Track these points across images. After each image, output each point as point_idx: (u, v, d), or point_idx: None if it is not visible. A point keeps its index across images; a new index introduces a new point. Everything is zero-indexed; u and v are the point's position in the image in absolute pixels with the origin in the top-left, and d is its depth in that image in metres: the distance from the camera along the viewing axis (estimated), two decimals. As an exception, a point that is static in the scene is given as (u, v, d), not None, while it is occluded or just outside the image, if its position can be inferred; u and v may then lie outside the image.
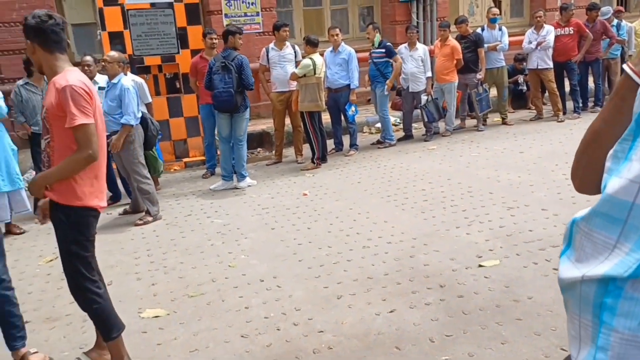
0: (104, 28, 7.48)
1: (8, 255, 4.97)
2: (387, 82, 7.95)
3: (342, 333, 3.22)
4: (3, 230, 5.62)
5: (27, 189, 2.81)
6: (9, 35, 8.39)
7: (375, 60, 8.06)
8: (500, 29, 8.83)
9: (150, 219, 5.64)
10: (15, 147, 5.62)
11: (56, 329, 3.61)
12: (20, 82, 6.08)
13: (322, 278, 3.98)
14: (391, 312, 3.41)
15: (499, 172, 6.32)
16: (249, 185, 6.69)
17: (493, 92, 9.12)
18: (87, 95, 2.67)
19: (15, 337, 3.19)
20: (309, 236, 4.83)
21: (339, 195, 6.01)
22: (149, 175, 5.78)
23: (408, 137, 8.62)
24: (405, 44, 8.36)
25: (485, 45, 8.57)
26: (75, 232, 2.77)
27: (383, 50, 7.97)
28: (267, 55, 7.64)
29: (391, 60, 8.01)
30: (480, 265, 3.96)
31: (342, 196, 5.95)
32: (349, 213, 5.36)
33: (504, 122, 9.07)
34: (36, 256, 4.99)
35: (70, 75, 2.70)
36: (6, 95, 5.69)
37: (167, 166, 7.55)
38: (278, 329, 3.33)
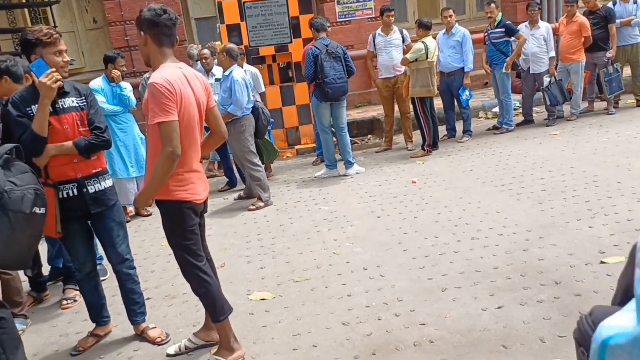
0: (222, 21, 7.84)
1: (136, 235, 5.47)
2: (507, 59, 7.50)
3: (444, 327, 3.12)
4: (133, 212, 6.15)
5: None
6: (140, 32, 9.08)
7: (494, 40, 7.64)
8: (635, 2, 7.95)
9: (261, 204, 5.86)
10: (143, 136, 6.11)
11: (174, 306, 3.88)
12: (146, 75, 6.56)
13: (427, 269, 3.88)
14: (499, 308, 3.24)
15: (631, 160, 5.73)
16: (357, 172, 6.69)
17: (626, 71, 8.27)
18: (169, 92, 2.66)
19: (137, 312, 3.48)
20: (415, 225, 4.73)
21: (449, 183, 5.81)
22: (259, 163, 5.99)
23: (528, 121, 8.11)
24: (526, 23, 7.84)
25: (618, 21, 7.78)
26: (172, 223, 2.91)
27: (502, 29, 7.54)
28: (374, 41, 7.57)
29: (511, 40, 7.56)
30: (602, 262, 3.63)
31: (452, 184, 5.75)
32: (458, 202, 5.17)
33: (638, 104, 8.21)
34: (160, 237, 5.38)
35: (160, 72, 2.75)
36: (135, 87, 6.16)
37: (280, 153, 7.77)
38: (379, 319, 3.30)
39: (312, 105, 6.96)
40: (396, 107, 7.70)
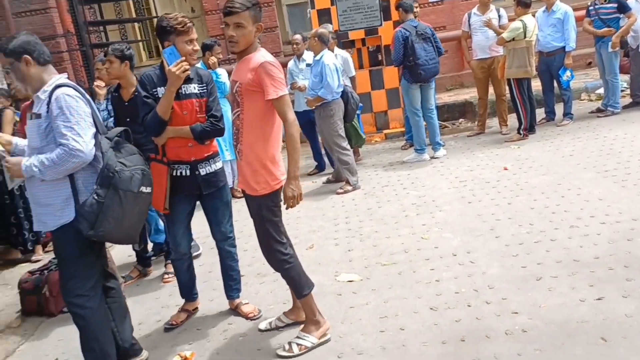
0: (313, 6, 7.91)
1: (236, 216, 5.69)
2: (614, 36, 6.96)
3: (539, 316, 3.01)
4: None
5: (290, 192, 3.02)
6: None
7: (602, 17, 7.11)
8: None
9: (349, 188, 5.90)
10: (236, 121, 6.33)
11: (265, 284, 4.02)
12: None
13: (520, 257, 3.74)
14: (599, 299, 3.07)
15: None
16: (445, 155, 6.58)
17: None
18: (280, 69, 2.92)
19: (232, 288, 3.65)
20: (509, 212, 4.56)
21: (546, 169, 5.53)
22: (348, 147, 6.02)
23: (636, 103, 7.51)
24: (637, -3, 7.23)
25: None
26: (266, 199, 3.01)
27: (615, 5, 6.99)
28: (469, 21, 7.32)
29: (621, 16, 7.01)
30: None
31: (550, 170, 5.47)
32: (556, 189, 4.92)
33: None
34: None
35: (264, 53, 2.96)
36: (229, 74, 6.38)
37: (368, 137, 7.76)
38: (469, 305, 3.24)
39: (401, 88, 6.88)
40: (491, 90, 7.42)
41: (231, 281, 3.64)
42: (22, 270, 4.87)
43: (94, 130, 2.77)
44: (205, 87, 3.38)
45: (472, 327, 3.02)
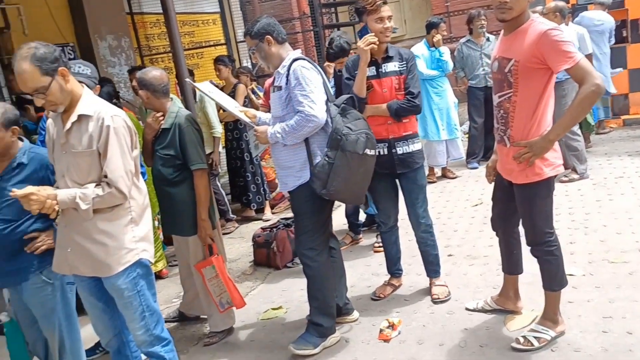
0: (547, -21, 7.32)
1: (441, 196, 5.69)
2: None
3: None
4: (439, 173, 6.40)
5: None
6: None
7: None
8: None
9: (576, 177, 5.42)
10: (456, 100, 6.25)
11: (474, 266, 3.96)
12: (462, 39, 6.63)
13: None
14: None
15: None
16: None
17: None
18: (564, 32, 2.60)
19: (428, 269, 3.67)
20: None
21: None
22: (579, 132, 5.51)
23: None
24: None
25: None
26: (541, 186, 2.78)
27: None
28: None
29: None
30: None
31: None
32: None
33: None
34: (464, 199, 5.51)
35: (543, 20, 2.67)
36: (452, 52, 6.30)
37: (593, 127, 6.99)
38: None
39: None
40: None
41: (427, 263, 3.67)
42: (255, 226, 5.53)
43: (325, 97, 3.02)
44: (405, 65, 3.40)
45: None
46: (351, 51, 4.35)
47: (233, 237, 5.46)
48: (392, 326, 3.24)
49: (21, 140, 2.82)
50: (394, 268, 3.80)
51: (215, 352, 3.40)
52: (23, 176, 2.72)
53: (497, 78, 2.83)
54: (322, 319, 3.16)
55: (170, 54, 6.55)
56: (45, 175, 2.73)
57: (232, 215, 5.85)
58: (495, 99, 2.87)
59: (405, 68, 3.42)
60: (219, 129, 5.43)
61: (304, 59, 3.03)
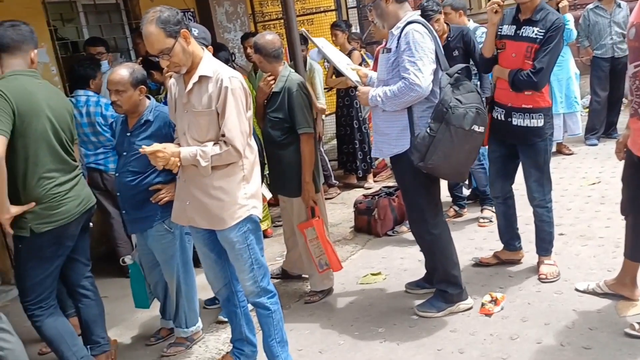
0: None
1: (555, 172, 5.34)
2: None
3: None
4: (554, 148, 6.05)
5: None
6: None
7: None
8: None
9: None
10: (577, 71, 5.82)
11: (588, 247, 3.74)
12: (590, 5, 6.13)
13: None
14: None
15: None
16: None
17: None
18: None
19: (539, 246, 3.51)
20: None
21: None
22: None
23: None
24: None
25: None
26: None
27: None
28: None
29: None
30: None
31: None
32: None
33: None
34: (580, 177, 5.18)
35: None
36: (576, 20, 5.86)
37: None
38: None
39: None
40: None
41: (538, 239, 3.51)
42: (357, 193, 5.59)
43: (434, 66, 2.92)
44: (544, 34, 3.11)
45: None
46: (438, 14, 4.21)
47: (335, 203, 5.56)
48: (494, 301, 3.17)
49: (148, 98, 3.04)
50: (503, 239, 3.70)
51: (314, 310, 3.52)
52: (149, 132, 2.95)
53: (633, 46, 2.61)
54: (446, 286, 3.17)
55: (282, 21, 6.70)
56: (168, 132, 2.93)
57: (334, 181, 5.94)
58: (631, 69, 2.65)
59: (542, 37, 3.12)
60: (323, 100, 5.49)
61: (419, 23, 2.94)
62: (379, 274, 3.86)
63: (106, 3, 5.42)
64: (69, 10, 5.14)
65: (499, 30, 3.27)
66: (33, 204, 2.60)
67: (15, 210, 2.56)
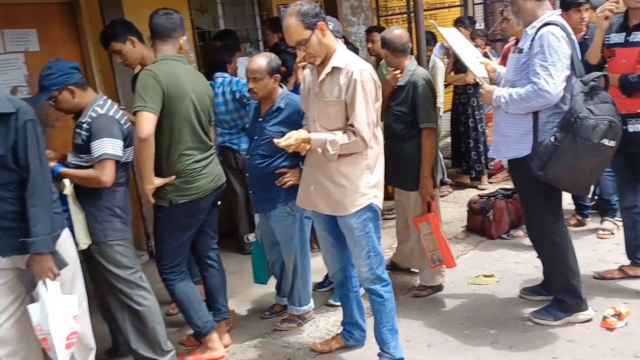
0: None
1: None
2: None
3: None
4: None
5: None
6: None
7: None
8: None
9: None
10: None
11: None
12: None
13: None
14: None
15: None
16: None
17: None
18: None
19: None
20: None
21: None
22: None
23: None
24: None
25: None
26: None
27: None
28: None
29: None
30: None
31: None
32: None
33: None
34: None
35: None
36: None
37: None
38: None
39: None
40: None
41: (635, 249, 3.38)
42: (469, 193, 5.49)
43: (567, 72, 2.79)
44: None
45: None
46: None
47: (446, 201, 5.49)
48: (618, 315, 3.00)
49: (281, 87, 3.21)
50: (630, 254, 3.49)
51: (423, 304, 3.53)
52: (280, 119, 3.12)
53: None
54: (564, 295, 3.06)
55: (405, 16, 6.70)
56: (297, 120, 3.07)
57: (447, 179, 5.87)
58: None
59: None
60: (441, 100, 5.43)
61: (557, 25, 2.81)
62: (491, 276, 3.79)
63: (242, -6, 5.73)
64: (208, 1, 5.49)
65: (606, 39, 3.14)
66: (173, 177, 2.85)
67: (158, 182, 2.82)
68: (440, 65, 5.45)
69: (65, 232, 2.45)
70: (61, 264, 2.31)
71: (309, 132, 2.69)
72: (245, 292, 3.94)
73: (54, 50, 4.16)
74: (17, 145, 2.19)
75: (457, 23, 5.68)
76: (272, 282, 3.58)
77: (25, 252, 2.23)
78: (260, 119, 3.18)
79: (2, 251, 2.27)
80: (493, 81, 3.22)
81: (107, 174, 2.65)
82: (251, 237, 3.44)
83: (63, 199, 2.60)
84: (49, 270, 2.24)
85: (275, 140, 2.63)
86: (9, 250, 2.27)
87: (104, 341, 3.03)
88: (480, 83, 3.33)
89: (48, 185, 2.30)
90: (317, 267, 3.54)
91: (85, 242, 2.66)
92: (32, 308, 2.26)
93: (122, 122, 2.77)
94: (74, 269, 2.47)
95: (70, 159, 2.77)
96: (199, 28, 5.64)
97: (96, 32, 4.14)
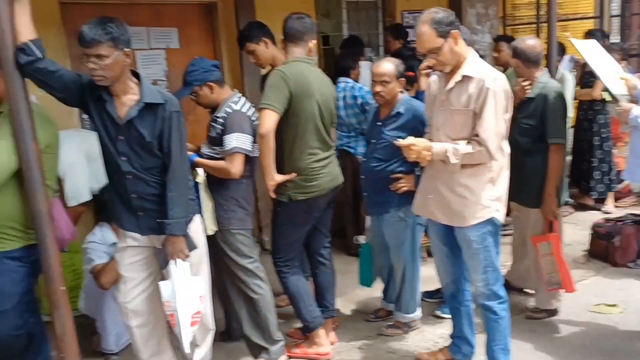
0: None
1: None
2: None
3: None
4: None
5: None
6: None
7: None
8: None
9: None
10: None
11: None
12: None
13: None
14: None
15: None
16: None
17: None
18: None
19: None
20: None
21: None
22: None
23: None
24: None
25: None
26: None
27: None
28: None
29: None
30: None
31: None
32: None
33: None
34: None
35: None
36: None
37: None
38: None
39: None
40: None
41: None
42: (591, 216, 5.13)
43: None
44: None
45: None
46: None
47: (567, 222, 5.15)
48: None
49: (401, 92, 3.22)
50: None
51: (536, 327, 3.37)
52: (398, 124, 3.12)
53: None
54: None
55: (533, 26, 6.43)
56: (415, 126, 3.05)
57: (568, 199, 5.53)
58: None
59: None
60: (570, 114, 5.12)
61: None
62: (615, 305, 3.53)
63: (367, 1, 5.80)
64: (335, 6, 5.62)
65: None
66: (294, 174, 2.96)
67: (280, 178, 2.93)
68: (569, 77, 5.16)
69: (197, 218, 2.63)
70: (192, 246, 2.48)
71: (431, 140, 2.67)
72: (349, 292, 3.97)
73: (191, 48, 4.47)
74: (163, 133, 2.38)
75: (588, 35, 5.35)
76: (377, 285, 3.58)
77: (162, 233, 2.42)
78: (379, 123, 3.20)
79: (142, 230, 2.48)
80: (633, 99, 3.02)
81: (236, 166, 2.81)
82: (361, 239, 3.47)
83: (195, 186, 2.79)
84: (180, 252, 2.42)
85: (396, 142, 2.64)
86: (148, 230, 2.48)
87: (219, 324, 3.20)
88: (616, 100, 3.12)
89: (185, 173, 2.49)
90: (427, 276, 3.49)
91: (212, 229, 2.84)
92: (163, 285, 2.44)
93: (254, 118, 2.92)
94: (201, 253, 2.64)
95: (204, 150, 2.96)
96: (323, 32, 5.79)
97: (229, 32, 4.39)
